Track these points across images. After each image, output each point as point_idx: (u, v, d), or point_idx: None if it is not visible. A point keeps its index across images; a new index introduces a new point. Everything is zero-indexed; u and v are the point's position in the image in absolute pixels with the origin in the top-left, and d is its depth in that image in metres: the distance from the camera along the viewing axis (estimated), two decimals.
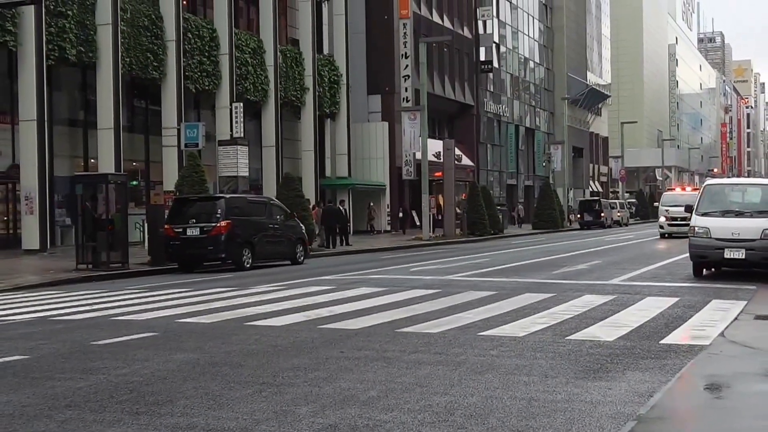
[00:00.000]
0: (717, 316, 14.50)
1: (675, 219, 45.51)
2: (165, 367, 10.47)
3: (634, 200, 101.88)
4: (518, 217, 77.09)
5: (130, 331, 13.53)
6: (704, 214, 21.87)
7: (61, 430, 7.60)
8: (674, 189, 62.76)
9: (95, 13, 38.02)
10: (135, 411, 8.27)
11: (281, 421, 7.84)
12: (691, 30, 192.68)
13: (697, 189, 39.44)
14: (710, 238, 21.37)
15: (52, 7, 35.25)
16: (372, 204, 58.62)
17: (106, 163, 37.83)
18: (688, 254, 22.59)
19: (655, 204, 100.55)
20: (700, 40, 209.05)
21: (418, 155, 49.86)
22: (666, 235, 46.78)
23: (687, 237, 22.67)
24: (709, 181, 24.13)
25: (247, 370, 10.29)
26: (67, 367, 10.64)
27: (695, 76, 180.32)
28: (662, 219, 48.28)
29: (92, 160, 39.79)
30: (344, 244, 40.94)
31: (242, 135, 42.94)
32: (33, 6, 28.38)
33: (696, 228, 21.74)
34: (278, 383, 9.46)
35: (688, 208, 23.83)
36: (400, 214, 60.71)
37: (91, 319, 15.20)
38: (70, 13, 36.68)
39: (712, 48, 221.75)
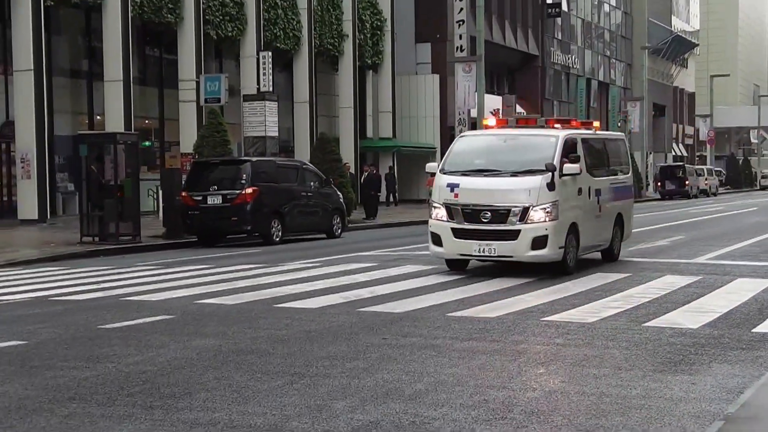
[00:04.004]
0: None
1: None
2: (183, 355, 10.56)
3: (722, 168, 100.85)
4: None
5: (143, 313, 13.65)
6: None
7: (64, 426, 7.66)
8: None
9: None
10: (149, 405, 8.33)
11: (315, 417, 7.86)
12: None
13: None
14: None
15: None
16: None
17: (114, 120, 38.03)
18: None
19: (755, 175, 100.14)
20: None
21: (474, 113, 49.58)
22: None
23: None
24: None
25: (277, 358, 10.35)
26: (71, 354, 10.74)
27: None
28: None
29: (98, 117, 40.05)
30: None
31: (271, 89, 42.95)
32: None
33: None
34: (312, 374, 9.50)
35: None
36: None
37: (98, 300, 15.34)
38: None
39: None
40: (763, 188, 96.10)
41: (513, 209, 16.94)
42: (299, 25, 49.09)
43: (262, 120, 38.58)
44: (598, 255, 20.42)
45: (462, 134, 20.84)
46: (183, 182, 28.07)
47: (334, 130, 51.05)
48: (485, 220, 17.13)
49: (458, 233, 17.38)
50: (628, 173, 21.89)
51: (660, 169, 76.93)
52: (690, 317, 12.91)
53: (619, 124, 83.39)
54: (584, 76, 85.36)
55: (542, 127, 19.26)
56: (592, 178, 18.86)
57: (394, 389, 8.78)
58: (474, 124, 49.30)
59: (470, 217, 17.28)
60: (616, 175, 20.78)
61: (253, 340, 11.47)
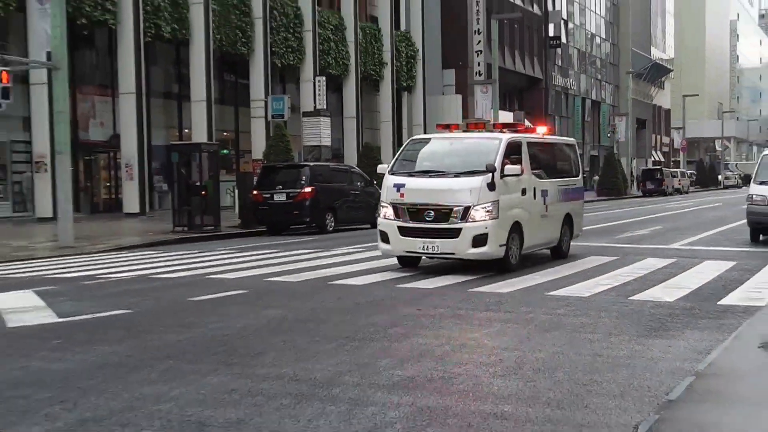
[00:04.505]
0: None
1: None
2: (255, 323, 10.63)
3: (693, 171, 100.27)
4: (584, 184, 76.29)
5: (223, 288, 13.71)
6: (762, 183, 21.50)
7: (162, 379, 7.75)
8: None
9: None
10: (229, 362, 8.42)
11: (363, 372, 7.93)
12: (752, 6, 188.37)
13: None
14: (767, 205, 21.06)
15: None
16: None
17: (199, 132, 38.32)
18: (745, 221, 22.31)
19: (719, 177, 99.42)
20: (761, 16, 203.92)
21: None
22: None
23: None
24: (766, 151, 23.43)
25: (331, 325, 10.41)
26: (166, 321, 10.86)
27: (756, 50, 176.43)
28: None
29: (186, 130, 40.27)
30: None
31: (325, 107, 43.04)
32: None
33: (754, 196, 21.42)
34: (359, 338, 9.56)
35: None
36: None
37: (187, 278, 15.46)
38: None
39: None
40: (725, 187, 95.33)
41: (455, 208, 14.83)
42: (348, 55, 49.09)
43: (318, 132, 38.69)
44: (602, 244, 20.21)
45: (412, 138, 18.09)
46: (254, 183, 28.15)
47: (376, 140, 51.01)
48: (429, 219, 15.02)
49: (404, 231, 15.23)
50: (577, 176, 19.18)
51: (642, 171, 76.55)
52: (667, 292, 12.87)
53: (608, 135, 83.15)
54: (580, 95, 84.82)
55: (490, 131, 16.93)
56: (538, 179, 16.59)
57: (426, 351, 8.83)
58: None
59: (415, 216, 15.18)
60: (564, 177, 18.23)
61: (312, 310, 11.53)
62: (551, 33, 75.39)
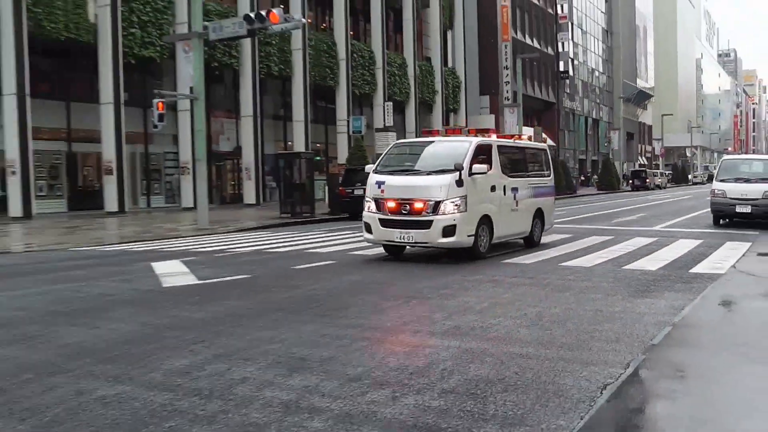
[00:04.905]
0: (730, 254, 14.01)
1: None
2: (340, 285, 10.61)
3: (669, 171, 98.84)
4: (586, 182, 75.49)
5: (317, 259, 13.76)
6: (722, 180, 21.25)
7: (272, 326, 7.78)
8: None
9: (290, 42, 38.49)
10: (322, 314, 8.43)
11: (422, 322, 7.89)
12: (712, 48, 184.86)
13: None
14: (726, 197, 20.83)
15: (261, 38, 35.80)
16: None
17: (298, 144, 38.52)
18: (709, 209, 21.96)
19: (689, 176, 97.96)
20: (719, 55, 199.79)
21: None
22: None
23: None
24: (725, 156, 23.26)
25: (396, 287, 10.35)
26: (276, 284, 10.88)
27: (715, 81, 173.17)
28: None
29: (289, 143, 40.44)
30: None
31: (392, 124, 42.94)
32: (249, 38, 28.82)
33: (716, 190, 21.19)
34: (419, 297, 9.50)
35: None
36: None
37: (291, 251, 15.52)
38: (273, 42, 37.26)
39: (728, 61, 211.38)
40: (694, 184, 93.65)
41: (427, 203, 13.05)
42: (408, 86, 48.93)
43: (386, 143, 38.47)
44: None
45: (396, 142, 16.01)
46: (339, 181, 28.21)
47: None
48: (405, 212, 13.18)
49: (384, 223, 13.43)
50: (549, 176, 16.78)
51: (631, 172, 75.31)
52: (651, 263, 12.66)
53: (605, 145, 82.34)
54: (583, 115, 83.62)
55: (465, 135, 14.79)
56: (508, 178, 14.59)
57: (469, 307, 8.75)
58: None
59: (393, 210, 13.34)
60: (535, 177, 16.03)
61: (383, 275, 11.51)
62: (561, 68, 74.42)
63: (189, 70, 23.24)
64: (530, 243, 15.75)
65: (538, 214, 15.95)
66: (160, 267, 12.94)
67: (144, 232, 21.17)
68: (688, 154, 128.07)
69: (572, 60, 79.61)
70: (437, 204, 12.97)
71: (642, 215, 27.15)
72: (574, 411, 4.99)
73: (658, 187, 73.28)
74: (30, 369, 6.23)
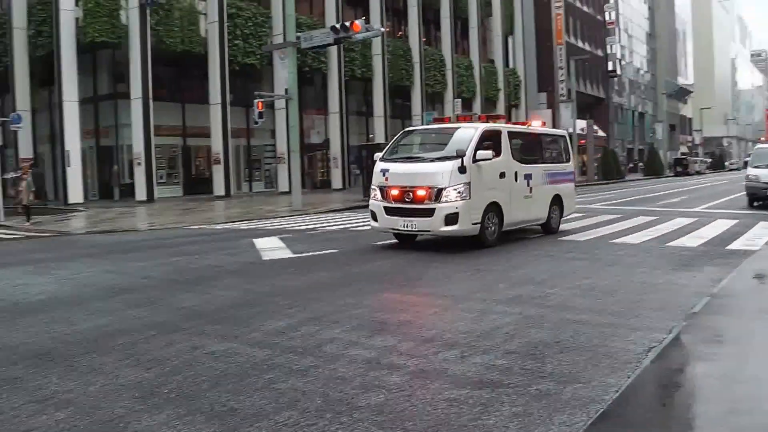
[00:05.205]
0: (763, 232, 13.39)
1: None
2: (415, 258, 10.60)
3: (708, 159, 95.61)
4: (634, 168, 73.61)
5: (386, 238, 13.63)
6: (755, 167, 20.54)
7: (356, 294, 7.79)
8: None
9: (371, 48, 38.42)
10: (400, 284, 8.43)
11: (487, 291, 7.80)
12: (745, 48, 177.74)
13: None
14: (759, 182, 20.16)
15: (345, 45, 35.85)
16: None
17: (379, 137, 38.41)
18: (744, 193, 21.18)
19: (725, 163, 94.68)
20: (752, 55, 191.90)
21: (570, 130, 48.18)
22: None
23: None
24: (758, 145, 22.41)
25: (466, 260, 10.27)
26: (358, 258, 10.93)
27: (749, 78, 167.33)
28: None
29: (371, 135, 40.42)
30: None
31: None
32: (335, 46, 28.91)
33: (749, 175, 20.54)
34: (483, 270, 9.39)
35: None
36: None
37: (372, 230, 15.52)
38: (356, 48, 37.21)
39: (760, 60, 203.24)
40: (730, 170, 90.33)
41: (429, 190, 11.21)
42: (474, 85, 48.29)
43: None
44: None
45: (405, 129, 13.50)
46: None
47: None
48: (408, 200, 11.40)
49: (388, 211, 11.70)
50: (567, 162, 14.41)
51: (674, 159, 73.13)
52: (692, 240, 12.23)
53: (650, 135, 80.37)
54: (630, 109, 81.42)
55: (474, 122, 12.84)
56: (520, 164, 12.53)
57: (529, 279, 8.61)
58: (570, 137, 47.75)
59: (397, 197, 11.57)
60: (552, 163, 13.81)
61: (454, 250, 11.40)
62: (610, 68, 72.46)
63: (284, 74, 23.50)
64: (548, 229, 13.72)
65: (556, 201, 13.88)
66: (260, 242, 13.14)
67: (246, 213, 21.50)
68: (725, 144, 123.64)
69: (620, 60, 77.43)
70: (440, 191, 11.17)
71: (683, 198, 26.27)
72: (622, 370, 4.89)
73: (698, 173, 71.00)
74: (154, 327, 6.42)
